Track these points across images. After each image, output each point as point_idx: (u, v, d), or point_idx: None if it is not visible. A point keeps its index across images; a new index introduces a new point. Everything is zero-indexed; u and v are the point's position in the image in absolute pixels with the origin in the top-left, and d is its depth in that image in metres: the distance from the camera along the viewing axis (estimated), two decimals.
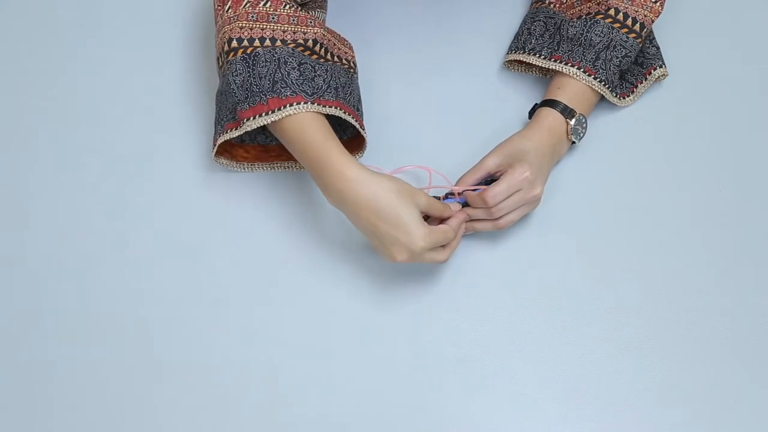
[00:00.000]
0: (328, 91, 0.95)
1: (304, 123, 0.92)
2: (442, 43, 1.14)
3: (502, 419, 0.93)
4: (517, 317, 0.98)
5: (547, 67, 1.05)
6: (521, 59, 1.08)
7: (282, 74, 0.93)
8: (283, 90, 0.92)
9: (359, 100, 1.02)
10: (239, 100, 0.94)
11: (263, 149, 1.05)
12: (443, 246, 0.92)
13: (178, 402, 0.95)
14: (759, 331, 0.97)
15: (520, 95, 1.10)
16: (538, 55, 1.06)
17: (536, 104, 1.04)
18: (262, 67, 0.93)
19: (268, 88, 0.92)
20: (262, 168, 1.05)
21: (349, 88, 0.99)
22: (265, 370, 0.96)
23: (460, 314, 0.98)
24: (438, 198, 0.98)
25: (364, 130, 0.99)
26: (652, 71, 1.07)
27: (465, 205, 0.98)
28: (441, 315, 0.98)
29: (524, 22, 1.11)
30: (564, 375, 0.95)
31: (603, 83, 1.03)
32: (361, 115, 1.01)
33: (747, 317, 0.98)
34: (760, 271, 1.01)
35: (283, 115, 0.91)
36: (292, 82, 0.93)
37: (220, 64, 0.98)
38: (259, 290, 1.00)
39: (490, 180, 0.99)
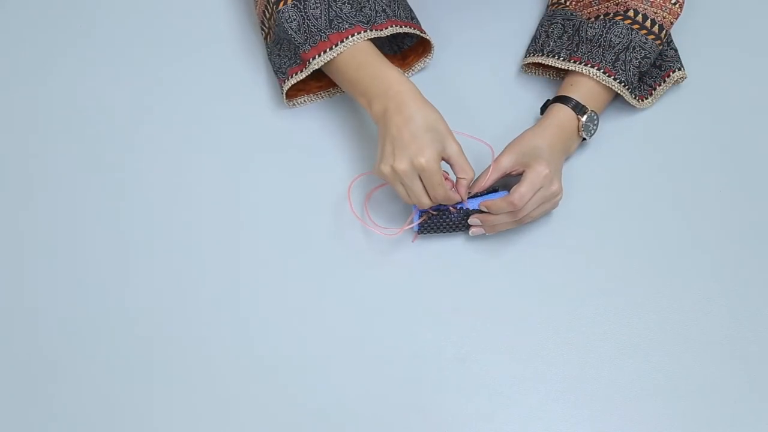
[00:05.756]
0: (378, 15, 1.01)
1: (363, 50, 0.98)
2: (455, 42, 1.14)
3: (502, 419, 0.93)
4: (517, 317, 0.98)
5: (566, 68, 1.04)
6: (540, 62, 1.07)
7: (335, 11, 0.99)
8: (340, 24, 0.99)
9: (410, 9, 1.08)
10: (299, 43, 1.00)
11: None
12: (427, 197, 0.94)
13: (177, 401, 0.95)
14: (759, 331, 0.97)
15: (532, 94, 1.10)
16: (557, 57, 1.06)
17: (548, 100, 1.04)
18: (314, 8, 0.99)
19: (326, 26, 0.99)
20: (336, 92, 1.11)
21: (395, 4, 1.04)
22: (264, 369, 0.96)
23: (460, 314, 0.98)
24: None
25: (425, 33, 1.07)
26: (671, 74, 1.08)
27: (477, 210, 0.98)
28: (441, 315, 0.98)
29: (541, 24, 1.11)
30: (564, 375, 0.95)
31: (623, 84, 1.03)
32: (417, 22, 1.08)
33: (747, 317, 0.98)
34: (760, 271, 1.01)
35: (347, 46, 0.98)
36: (346, 15, 0.99)
37: (268, 15, 1.04)
38: (258, 289, 1.00)
39: (492, 189, 0.99)
